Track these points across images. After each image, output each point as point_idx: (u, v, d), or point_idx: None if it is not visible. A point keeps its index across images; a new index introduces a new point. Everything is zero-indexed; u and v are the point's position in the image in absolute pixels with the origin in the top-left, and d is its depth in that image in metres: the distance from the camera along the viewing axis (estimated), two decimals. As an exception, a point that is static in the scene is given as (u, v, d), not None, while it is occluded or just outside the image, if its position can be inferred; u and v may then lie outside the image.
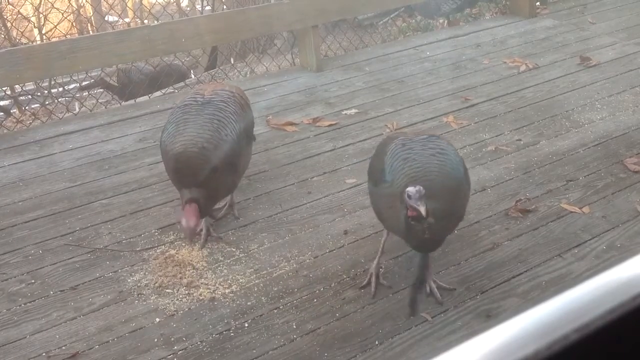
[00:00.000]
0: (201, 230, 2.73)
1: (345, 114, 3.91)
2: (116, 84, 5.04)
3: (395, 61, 4.71)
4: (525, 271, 2.51)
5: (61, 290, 2.46)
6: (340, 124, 3.79)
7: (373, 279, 2.43)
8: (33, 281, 2.51)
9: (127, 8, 9.35)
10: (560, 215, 2.85)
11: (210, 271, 2.56)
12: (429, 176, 2.09)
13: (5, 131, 4.15)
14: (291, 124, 3.79)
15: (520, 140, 3.51)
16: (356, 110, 3.94)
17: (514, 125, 3.68)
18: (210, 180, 2.44)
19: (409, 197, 1.95)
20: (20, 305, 2.39)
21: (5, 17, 6.95)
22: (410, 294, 2.21)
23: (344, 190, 3.11)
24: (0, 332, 2.26)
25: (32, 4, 7.24)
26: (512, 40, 5.04)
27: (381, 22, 6.56)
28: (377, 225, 2.81)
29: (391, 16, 6.56)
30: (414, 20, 6.46)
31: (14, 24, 6.46)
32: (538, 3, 5.76)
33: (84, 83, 5.43)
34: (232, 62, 6.41)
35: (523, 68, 4.47)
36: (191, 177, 2.41)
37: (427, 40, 5.11)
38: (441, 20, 6.12)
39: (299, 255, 2.64)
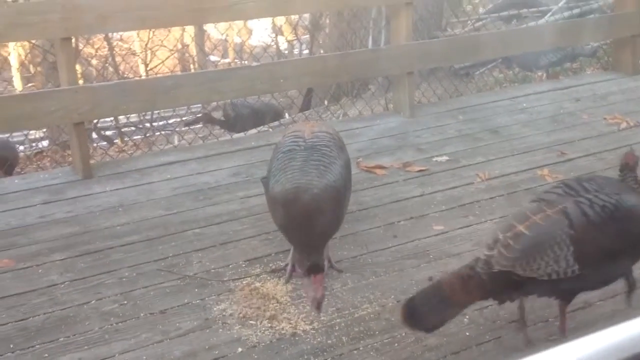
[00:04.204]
0: (287, 265, 2.78)
1: (436, 160, 3.91)
2: (221, 119, 5.27)
3: (490, 111, 4.68)
4: (618, 334, 2.40)
5: (151, 313, 2.55)
6: (430, 170, 3.78)
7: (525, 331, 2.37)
8: (125, 302, 2.62)
9: (229, 49, 9.73)
10: (658, 279, 2.71)
11: (293, 306, 2.58)
12: None
13: (108, 159, 4.38)
14: (381, 167, 3.82)
15: (617, 198, 3.39)
16: (447, 158, 3.93)
17: (611, 183, 3.56)
18: (321, 225, 2.50)
19: None
20: (112, 325, 2.49)
21: (115, 52, 7.40)
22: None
23: (430, 236, 3.09)
24: (92, 349, 2.36)
25: (142, 40, 7.67)
26: (614, 96, 4.91)
27: (478, 71, 6.55)
28: (463, 274, 2.77)
29: (488, 66, 6.54)
30: (511, 72, 6.40)
31: (124, 59, 6.84)
32: (642, 60, 5.60)
33: (185, 118, 5.69)
34: (326, 104, 6.54)
35: (624, 125, 4.34)
36: (304, 224, 2.47)
37: (524, 92, 5.06)
38: (540, 73, 6.04)
39: (382, 298, 2.63)
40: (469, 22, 6.90)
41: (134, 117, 6.46)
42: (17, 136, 6.79)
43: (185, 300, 2.62)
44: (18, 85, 8.28)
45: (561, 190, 2.19)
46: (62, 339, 2.40)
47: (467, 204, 3.38)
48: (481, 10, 7.60)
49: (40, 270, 2.85)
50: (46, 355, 2.31)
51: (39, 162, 6.91)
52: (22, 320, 2.51)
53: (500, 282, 2.08)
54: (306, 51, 8.64)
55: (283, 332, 2.43)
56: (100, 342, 2.39)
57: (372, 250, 2.99)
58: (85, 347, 2.36)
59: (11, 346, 2.37)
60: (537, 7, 7.05)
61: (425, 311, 2.11)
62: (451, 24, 7.06)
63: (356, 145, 4.16)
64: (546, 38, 5.20)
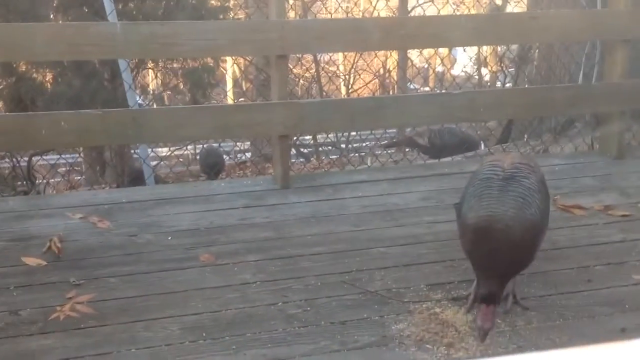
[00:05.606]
0: (469, 294, 2.74)
1: (643, 206, 3.64)
2: (426, 144, 5.33)
3: None
4: None
5: (331, 323, 2.63)
6: (635, 216, 3.53)
7: None
8: (309, 309, 2.72)
9: (431, 77, 9.79)
10: None
11: (472, 337, 2.53)
12: None
13: (305, 172, 4.60)
14: (580, 207, 3.63)
15: None
16: (656, 205, 3.65)
17: None
18: (511, 258, 2.45)
19: None
20: (294, 328, 2.60)
21: (321, 73, 7.78)
22: None
23: (629, 285, 2.88)
24: (274, 348, 2.48)
25: (348, 61, 7.98)
26: None
27: (700, 117, 5.98)
28: (663, 331, 2.55)
29: None
30: None
31: (331, 79, 7.17)
32: None
33: (383, 142, 5.84)
34: (526, 138, 6.33)
35: None
36: (491, 254, 2.43)
37: None
38: None
39: (569, 343, 2.49)
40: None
41: (330, 137, 6.77)
42: (225, 146, 7.38)
43: (365, 315, 2.67)
44: (231, 98, 8.99)
45: None
46: (249, 334, 2.55)
47: (675, 257, 3.11)
48: None
49: (235, 269, 3.06)
50: (234, 347, 2.47)
51: (242, 171, 7.44)
52: (215, 312, 2.71)
53: None
54: (509, 84, 8.46)
55: (459, 361, 2.39)
56: (283, 343, 2.51)
57: (561, 291, 2.84)
58: (269, 345, 2.49)
59: (204, 334, 2.56)
60: None
61: None
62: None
63: (555, 182, 3.99)
64: None
